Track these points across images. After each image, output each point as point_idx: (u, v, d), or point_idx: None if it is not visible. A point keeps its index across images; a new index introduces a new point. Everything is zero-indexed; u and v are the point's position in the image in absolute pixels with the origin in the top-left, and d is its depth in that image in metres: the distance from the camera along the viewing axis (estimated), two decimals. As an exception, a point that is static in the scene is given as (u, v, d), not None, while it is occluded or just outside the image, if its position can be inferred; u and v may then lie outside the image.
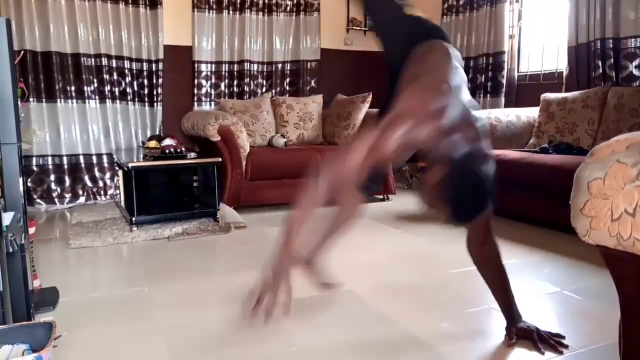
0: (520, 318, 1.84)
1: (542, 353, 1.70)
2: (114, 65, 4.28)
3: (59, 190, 4.12)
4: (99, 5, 4.13)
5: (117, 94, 4.32)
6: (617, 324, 1.16)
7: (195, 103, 4.65)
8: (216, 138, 3.71)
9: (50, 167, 4.09)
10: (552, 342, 1.75)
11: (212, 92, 4.70)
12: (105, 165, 4.29)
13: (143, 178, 3.61)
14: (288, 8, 4.88)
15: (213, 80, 4.69)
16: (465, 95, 1.61)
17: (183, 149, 3.60)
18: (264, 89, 4.89)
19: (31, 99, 3.96)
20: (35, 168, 4.04)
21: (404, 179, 5.09)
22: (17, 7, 3.86)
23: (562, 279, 2.42)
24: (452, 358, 1.68)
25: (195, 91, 4.63)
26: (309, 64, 5.02)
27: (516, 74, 4.62)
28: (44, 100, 4.03)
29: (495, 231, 2.92)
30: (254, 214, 3.78)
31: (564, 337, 1.79)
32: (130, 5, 4.26)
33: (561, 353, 1.71)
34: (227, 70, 4.71)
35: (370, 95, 4.48)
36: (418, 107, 1.39)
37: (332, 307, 2.09)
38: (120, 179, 3.89)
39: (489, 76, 4.72)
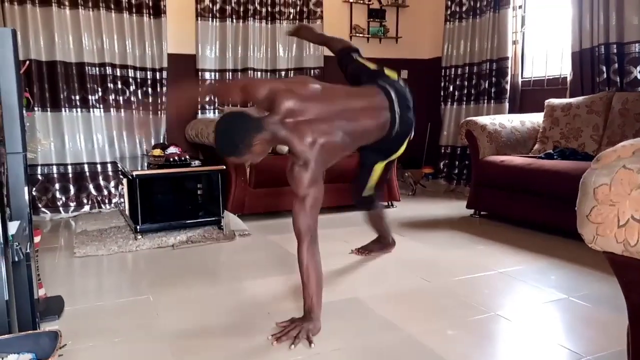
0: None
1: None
2: (118, 74, 4.29)
3: (63, 199, 4.13)
4: (103, 14, 4.15)
5: (121, 102, 4.33)
6: (625, 331, 1.15)
7: (199, 111, 4.66)
8: (220, 146, 3.70)
9: (55, 175, 4.10)
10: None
11: (216, 100, 4.71)
12: (110, 173, 4.30)
13: (147, 186, 3.61)
14: (291, 16, 4.90)
15: (217, 88, 4.70)
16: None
17: (187, 157, 3.61)
18: (267, 97, 4.88)
19: (36, 108, 3.98)
20: (40, 177, 4.05)
21: (408, 185, 5.09)
22: (23, 18, 3.89)
23: (568, 286, 2.41)
24: (459, 366, 1.67)
25: (199, 99, 4.64)
26: (312, 71, 5.03)
27: (520, 80, 4.62)
28: (48, 109, 4.04)
29: (501, 237, 2.92)
30: (258, 222, 3.77)
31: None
32: (134, 15, 4.28)
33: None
34: (230, 78, 4.72)
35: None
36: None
37: (336, 315, 2.08)
38: (124, 188, 3.90)
39: (492, 82, 4.72)
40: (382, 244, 2.97)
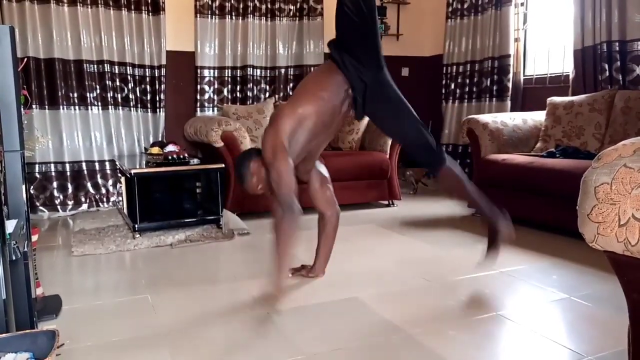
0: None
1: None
2: (117, 71, 4.28)
3: (61, 197, 4.12)
4: (101, 11, 4.14)
5: (119, 100, 4.32)
6: (626, 330, 1.14)
7: (198, 109, 4.64)
8: (219, 144, 3.70)
9: (53, 174, 4.09)
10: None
11: (215, 97, 4.70)
12: (108, 172, 4.29)
13: (146, 184, 3.60)
14: (291, 13, 4.88)
15: (216, 86, 4.69)
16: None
17: (186, 155, 3.59)
18: (267, 94, 4.89)
19: (34, 106, 3.97)
20: (37, 175, 4.04)
21: (410, 184, 5.07)
22: (21, 15, 3.87)
23: (570, 285, 2.39)
24: (460, 367, 1.66)
25: (198, 97, 4.63)
26: (312, 68, 5.01)
27: (522, 78, 4.60)
28: (46, 107, 4.03)
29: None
30: (257, 220, 3.76)
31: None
32: (133, 12, 4.26)
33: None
34: (230, 75, 4.71)
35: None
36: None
37: (337, 315, 2.07)
38: (122, 186, 3.89)
39: (494, 80, 4.70)
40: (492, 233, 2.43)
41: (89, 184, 4.21)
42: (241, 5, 4.64)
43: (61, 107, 4.07)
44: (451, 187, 2.46)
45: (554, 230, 3.30)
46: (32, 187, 3.99)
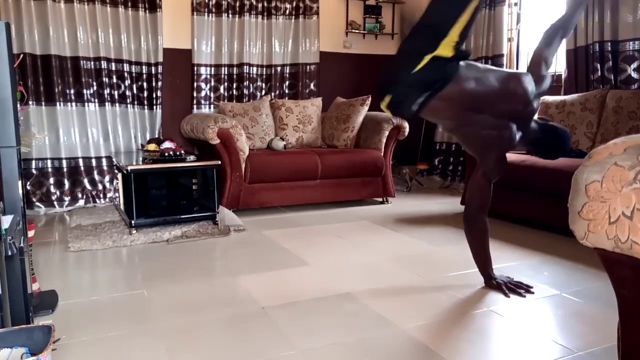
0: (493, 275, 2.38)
1: (508, 296, 2.23)
2: (114, 68, 4.28)
3: (58, 193, 4.12)
4: (98, 8, 4.13)
5: (116, 97, 4.32)
6: (616, 326, 1.16)
7: (195, 106, 4.65)
8: (215, 141, 3.71)
9: (50, 170, 4.09)
10: (518, 290, 2.27)
11: (212, 95, 4.71)
12: (105, 168, 4.29)
13: (142, 181, 3.60)
14: (287, 11, 4.89)
15: (212, 83, 4.69)
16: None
17: (182, 152, 3.60)
18: (263, 92, 4.90)
19: (30, 102, 3.97)
20: (34, 171, 4.04)
21: (404, 181, 5.09)
22: (17, 11, 3.87)
23: (561, 282, 2.42)
24: (451, 361, 1.68)
25: (195, 94, 4.64)
26: (308, 67, 5.03)
27: (515, 77, 4.62)
28: (43, 103, 4.03)
29: (495, 234, 2.92)
30: (253, 217, 3.78)
31: (531, 287, 2.31)
32: (130, 9, 4.26)
33: (524, 296, 2.23)
34: (226, 73, 4.72)
35: (370, 98, 4.49)
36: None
37: (331, 310, 2.09)
38: (119, 182, 3.89)
39: (487, 79, 4.72)
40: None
41: (85, 180, 4.21)
42: (238, 4, 4.65)
43: (58, 103, 4.07)
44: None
45: (545, 228, 3.33)
46: (28, 183, 3.99)
